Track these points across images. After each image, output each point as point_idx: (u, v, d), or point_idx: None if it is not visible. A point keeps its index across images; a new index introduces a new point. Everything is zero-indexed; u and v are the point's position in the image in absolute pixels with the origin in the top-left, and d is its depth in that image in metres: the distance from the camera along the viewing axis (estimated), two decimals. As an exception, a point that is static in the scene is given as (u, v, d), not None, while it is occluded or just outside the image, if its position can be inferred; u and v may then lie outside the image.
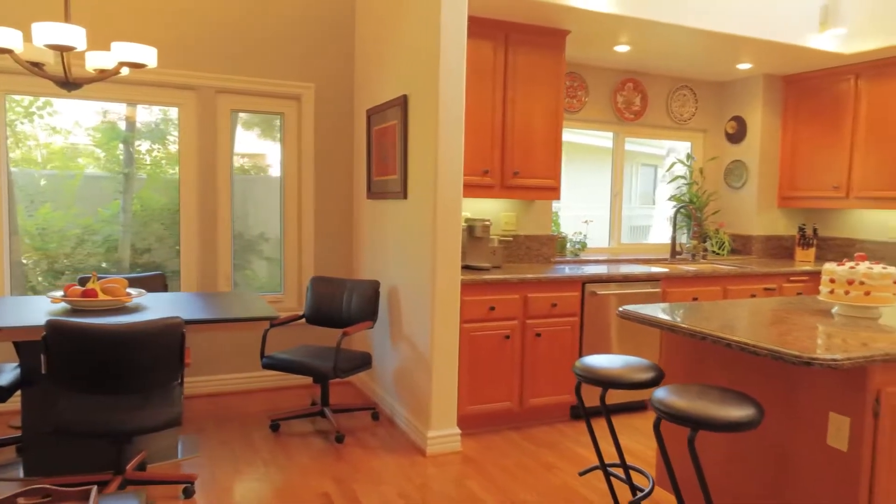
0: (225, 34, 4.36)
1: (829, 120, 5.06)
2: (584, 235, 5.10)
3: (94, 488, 1.70)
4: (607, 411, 2.55)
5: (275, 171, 4.75)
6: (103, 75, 3.13)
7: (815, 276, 4.83)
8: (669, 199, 5.70)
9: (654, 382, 2.37)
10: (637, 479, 3.18)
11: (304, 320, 4.18)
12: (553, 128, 4.25)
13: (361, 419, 4.08)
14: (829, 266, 2.76)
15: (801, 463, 2.28)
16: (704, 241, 5.47)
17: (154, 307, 3.27)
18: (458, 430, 3.61)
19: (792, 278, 4.77)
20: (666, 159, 5.88)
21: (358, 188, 4.70)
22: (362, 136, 4.57)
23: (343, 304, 4.06)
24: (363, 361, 3.80)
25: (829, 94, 5.04)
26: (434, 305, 3.49)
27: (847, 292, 2.66)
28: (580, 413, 4.18)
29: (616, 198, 5.44)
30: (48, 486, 1.69)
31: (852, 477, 2.11)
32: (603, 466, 2.60)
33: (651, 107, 5.40)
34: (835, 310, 2.78)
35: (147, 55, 3.06)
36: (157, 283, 4.09)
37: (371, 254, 4.43)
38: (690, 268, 4.59)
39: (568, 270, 4.15)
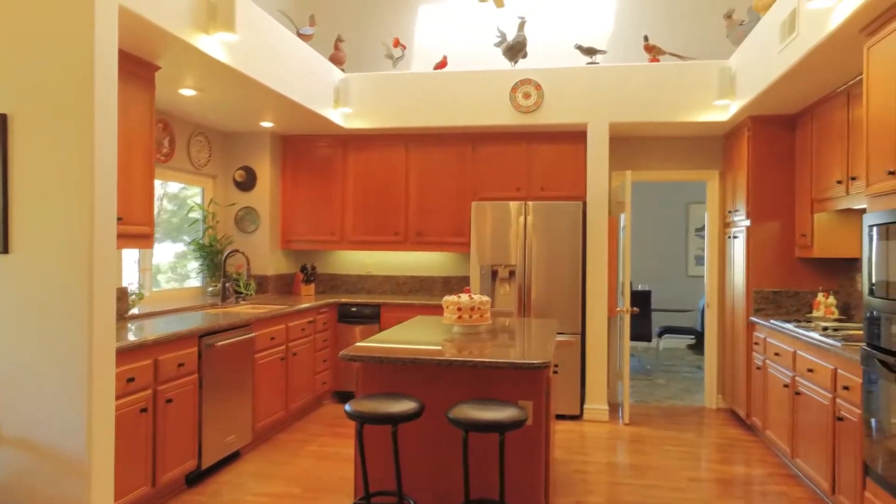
0: None
1: (325, 178, 6.17)
2: (140, 286, 4.62)
3: None
4: (396, 447, 2.79)
5: None
6: None
7: (333, 306, 5.83)
8: (190, 243, 5.67)
9: (421, 411, 2.79)
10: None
11: None
12: (147, 168, 3.84)
13: (-84, 585, 2.70)
14: (450, 298, 3.76)
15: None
16: (228, 283, 5.71)
17: None
18: (117, 537, 2.93)
19: (322, 311, 5.62)
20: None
21: None
22: None
23: None
24: (-54, 493, 2.58)
25: (325, 157, 6.17)
26: (91, 387, 2.75)
27: (471, 316, 3.71)
28: (194, 477, 3.89)
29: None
30: None
31: (537, 440, 3.10)
32: (367, 497, 2.81)
33: (178, 150, 5.32)
34: (455, 329, 3.77)
35: None
36: None
37: None
38: (261, 310, 4.85)
39: (158, 325, 3.82)
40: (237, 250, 5.55)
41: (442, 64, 5.86)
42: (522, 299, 5.49)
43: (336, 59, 5.77)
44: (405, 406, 2.74)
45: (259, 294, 5.97)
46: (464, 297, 3.73)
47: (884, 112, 2.96)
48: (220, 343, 3.96)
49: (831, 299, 4.62)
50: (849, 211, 4.42)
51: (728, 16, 5.20)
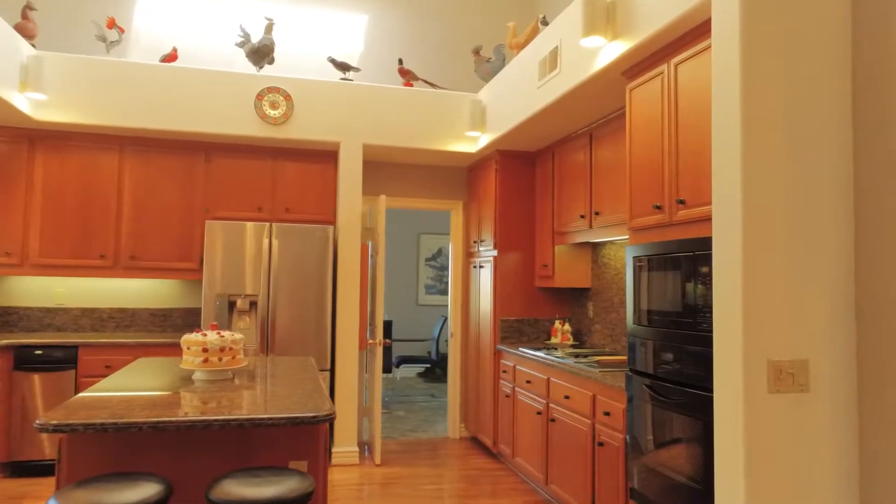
0: None
1: (1, 182, 4.73)
2: None
3: None
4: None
5: None
6: None
7: (7, 350, 4.42)
8: None
9: (169, 495, 2.05)
10: None
11: None
12: None
13: None
14: (193, 336, 3.03)
15: None
16: None
17: None
18: None
19: (-10, 356, 4.21)
20: None
21: None
22: None
23: None
24: None
25: (3, 155, 4.73)
26: None
27: (220, 359, 3.01)
28: None
29: None
30: None
31: (319, 493, 2.57)
32: None
33: None
34: (198, 375, 3.03)
35: None
36: None
37: None
38: None
39: None
40: None
41: (171, 57, 4.96)
42: (265, 334, 4.82)
43: (24, 30, 4.49)
44: (144, 491, 1.99)
45: None
46: (211, 336, 3.02)
47: (646, 150, 3.16)
48: None
49: (567, 326, 4.93)
50: (584, 244, 4.78)
51: (476, 51, 5.34)
